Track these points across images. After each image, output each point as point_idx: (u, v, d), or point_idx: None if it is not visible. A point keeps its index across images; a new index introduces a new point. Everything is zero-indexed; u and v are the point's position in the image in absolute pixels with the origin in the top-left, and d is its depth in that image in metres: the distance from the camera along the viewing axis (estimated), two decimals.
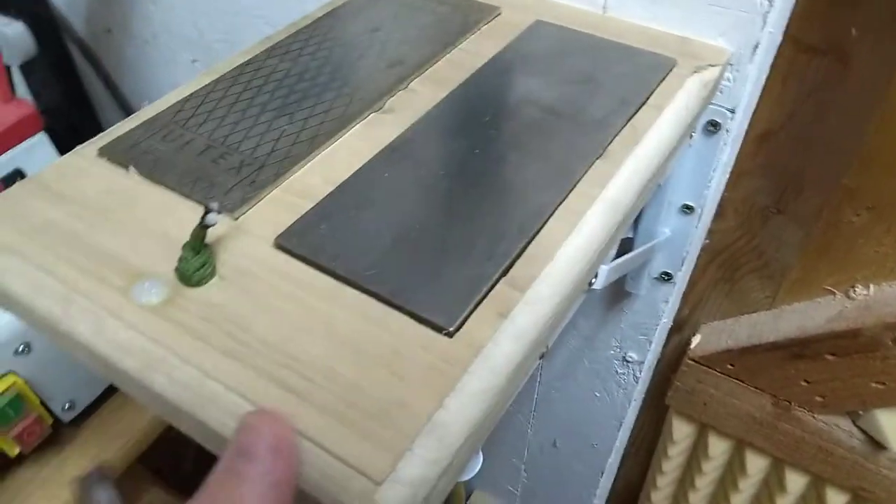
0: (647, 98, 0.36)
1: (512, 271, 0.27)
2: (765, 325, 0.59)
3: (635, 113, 0.35)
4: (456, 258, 0.27)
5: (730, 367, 0.61)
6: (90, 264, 0.27)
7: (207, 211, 0.25)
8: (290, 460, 0.20)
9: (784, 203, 0.53)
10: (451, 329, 0.25)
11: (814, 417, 0.59)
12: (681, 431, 0.71)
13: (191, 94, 0.35)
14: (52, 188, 0.30)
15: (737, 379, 0.62)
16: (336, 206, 0.29)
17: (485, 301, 0.26)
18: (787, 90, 0.47)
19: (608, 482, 0.83)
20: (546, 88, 0.36)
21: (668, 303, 0.57)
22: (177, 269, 0.26)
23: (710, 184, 0.47)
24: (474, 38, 0.41)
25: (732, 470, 0.70)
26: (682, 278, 0.55)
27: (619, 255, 0.42)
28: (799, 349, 0.55)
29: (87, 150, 0.32)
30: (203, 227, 0.25)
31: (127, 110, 0.88)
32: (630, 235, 0.51)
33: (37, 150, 0.44)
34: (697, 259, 0.59)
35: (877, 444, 0.56)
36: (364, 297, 0.26)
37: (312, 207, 0.29)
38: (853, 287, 0.53)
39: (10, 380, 0.46)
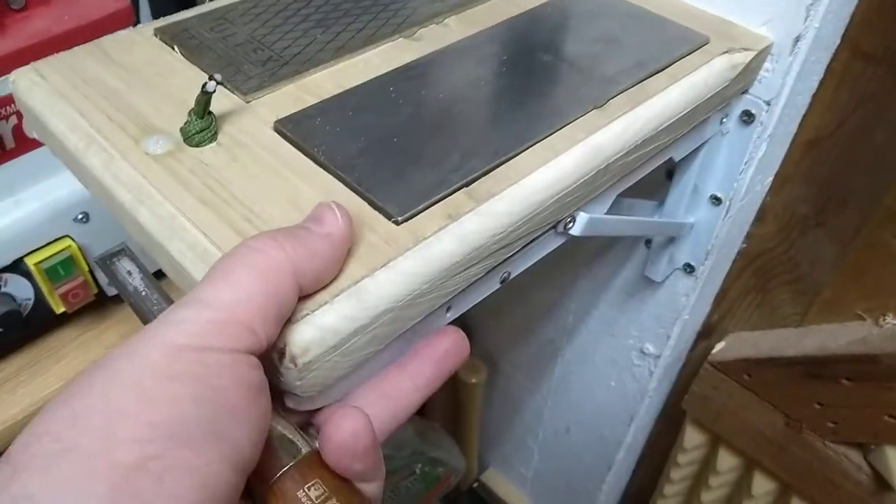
0: (666, 67, 0.36)
1: (475, 184, 0.29)
2: (788, 341, 0.57)
3: (648, 77, 0.36)
4: (426, 165, 0.29)
5: (746, 377, 0.60)
6: (118, 115, 0.31)
7: (210, 79, 0.28)
8: (349, 227, 0.25)
9: (825, 216, 0.51)
10: (399, 218, 0.27)
11: (824, 444, 0.57)
12: (693, 440, 0.70)
13: None
14: (108, 53, 0.35)
15: (751, 391, 0.60)
16: (335, 106, 0.32)
17: (440, 203, 0.28)
18: (839, 97, 0.46)
19: (616, 480, 0.82)
20: (569, 43, 0.38)
21: (690, 298, 0.56)
22: (181, 129, 0.30)
23: (740, 176, 0.46)
24: None
25: (740, 490, 0.69)
26: (705, 274, 0.54)
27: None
28: (816, 368, 0.54)
29: (146, 29, 0.37)
30: (204, 93, 0.28)
31: None
32: (655, 218, 0.51)
33: None
34: (732, 263, 0.58)
35: (885, 484, 0.54)
36: (334, 181, 0.29)
37: (315, 103, 0.32)
38: (884, 315, 0.51)
39: (65, 242, 0.52)
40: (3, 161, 0.49)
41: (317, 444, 0.24)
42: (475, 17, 0.40)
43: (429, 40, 0.38)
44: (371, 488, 0.25)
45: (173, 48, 0.35)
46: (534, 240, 0.31)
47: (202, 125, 0.29)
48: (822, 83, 0.45)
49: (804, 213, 0.52)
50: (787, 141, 0.49)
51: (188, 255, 0.26)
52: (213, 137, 0.30)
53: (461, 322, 0.30)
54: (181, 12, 0.38)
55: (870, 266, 0.50)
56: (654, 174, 0.40)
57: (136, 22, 0.51)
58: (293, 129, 0.31)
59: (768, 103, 0.42)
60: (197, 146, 0.30)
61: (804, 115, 0.47)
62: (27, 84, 0.33)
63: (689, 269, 0.54)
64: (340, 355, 0.24)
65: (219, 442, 0.19)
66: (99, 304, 0.58)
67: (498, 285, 0.32)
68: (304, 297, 0.24)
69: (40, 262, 0.51)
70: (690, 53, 0.38)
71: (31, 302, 0.53)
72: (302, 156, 0.30)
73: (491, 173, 0.29)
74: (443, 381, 0.28)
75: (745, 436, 0.63)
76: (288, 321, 0.23)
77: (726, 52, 0.38)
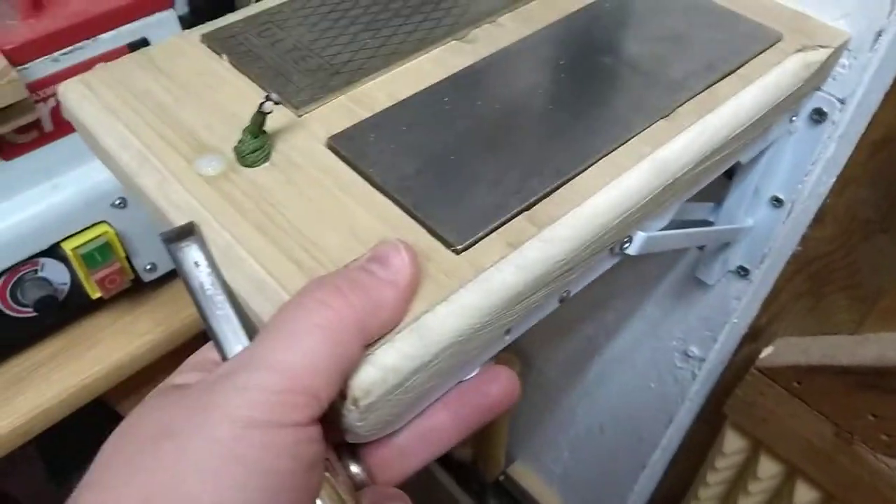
0: (737, 68, 0.34)
1: (535, 208, 0.28)
2: (843, 348, 0.55)
3: (719, 80, 0.34)
4: (484, 186, 0.28)
5: (796, 384, 0.58)
6: (169, 132, 0.31)
7: (267, 99, 0.27)
8: (415, 271, 0.24)
9: (890, 221, 0.49)
10: (458, 247, 0.26)
11: (875, 457, 0.55)
12: (733, 444, 0.69)
13: None
14: (156, 63, 0.34)
15: (801, 399, 0.58)
16: (389, 121, 0.31)
17: (500, 229, 0.27)
18: None
19: (648, 481, 0.81)
20: (631, 42, 0.36)
21: (741, 301, 0.55)
22: (235, 149, 0.29)
23: (805, 178, 0.44)
24: None
25: (780, 498, 0.67)
26: (759, 278, 0.53)
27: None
28: (873, 379, 0.52)
29: (193, 35, 0.36)
30: (260, 113, 0.27)
31: None
32: (711, 220, 0.49)
33: (164, 25, 0.48)
34: (785, 266, 0.56)
35: None
36: (390, 204, 0.28)
37: (368, 117, 0.31)
38: None
39: (102, 228, 0.51)
40: (41, 144, 0.48)
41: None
42: (530, 15, 0.38)
43: (483, 42, 0.36)
44: None
45: (221, 56, 0.34)
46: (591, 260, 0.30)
47: (256, 145, 0.28)
48: None
49: (867, 216, 0.50)
50: (854, 140, 0.46)
51: (245, 286, 0.25)
52: (267, 157, 0.29)
53: None
54: (227, 16, 0.37)
55: None
56: None
57: (172, 4, 0.50)
58: (346, 146, 0.30)
59: (842, 101, 0.40)
60: (251, 166, 0.29)
61: (874, 113, 0.45)
62: (76, 97, 0.32)
63: (742, 272, 0.52)
64: (402, 393, 0.24)
65: None
66: (134, 290, 0.58)
67: (557, 304, 0.31)
68: None
69: (77, 247, 0.50)
70: (763, 52, 0.35)
71: (67, 287, 0.53)
72: (356, 175, 0.29)
73: (552, 195, 0.28)
74: (486, 423, 0.28)
75: (790, 443, 0.61)
76: None
77: (800, 49, 0.36)
